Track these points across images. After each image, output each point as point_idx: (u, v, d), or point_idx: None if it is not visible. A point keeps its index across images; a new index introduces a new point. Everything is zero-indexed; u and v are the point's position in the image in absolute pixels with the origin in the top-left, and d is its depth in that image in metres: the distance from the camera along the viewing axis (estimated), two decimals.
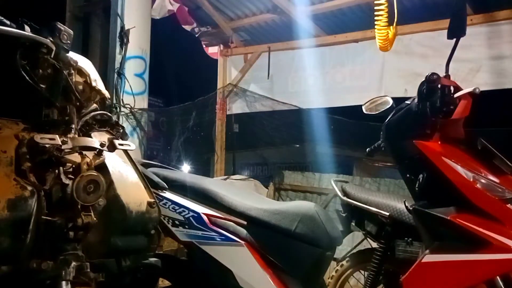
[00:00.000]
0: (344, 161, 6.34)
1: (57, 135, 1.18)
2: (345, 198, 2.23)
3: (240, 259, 1.90)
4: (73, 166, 1.20)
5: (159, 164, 2.50)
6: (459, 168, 1.63)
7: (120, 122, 4.03)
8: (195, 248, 1.97)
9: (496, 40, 4.66)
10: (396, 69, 5.13)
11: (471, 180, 1.62)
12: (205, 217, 1.99)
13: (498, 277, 1.58)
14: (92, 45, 4.20)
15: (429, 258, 1.60)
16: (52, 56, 1.22)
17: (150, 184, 2.14)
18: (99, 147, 1.27)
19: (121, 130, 1.59)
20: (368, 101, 2.17)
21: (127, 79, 3.83)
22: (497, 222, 1.57)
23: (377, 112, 2.06)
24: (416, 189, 1.76)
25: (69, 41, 1.28)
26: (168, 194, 2.09)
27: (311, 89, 5.58)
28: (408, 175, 1.80)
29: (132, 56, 4.06)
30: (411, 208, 1.73)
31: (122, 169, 1.40)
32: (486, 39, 4.69)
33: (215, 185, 2.13)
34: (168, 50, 6.38)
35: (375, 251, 2.09)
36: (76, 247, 1.18)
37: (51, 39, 1.23)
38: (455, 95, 1.68)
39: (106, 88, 3.67)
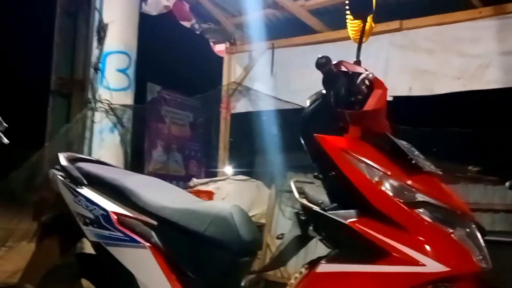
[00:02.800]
0: None
1: None
2: (302, 201, 2.04)
3: (142, 263, 1.76)
4: None
5: (91, 158, 2.40)
6: (361, 167, 1.43)
7: (99, 119, 4.00)
8: (102, 249, 1.84)
9: (507, 34, 4.30)
10: (401, 65, 4.85)
11: (375, 181, 1.41)
12: (113, 216, 1.86)
13: None
14: (78, 40, 4.19)
15: (323, 268, 1.41)
16: None
17: (69, 179, 2.06)
18: None
19: None
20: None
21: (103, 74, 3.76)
22: (400, 229, 1.36)
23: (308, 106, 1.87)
24: (326, 190, 1.57)
25: None
26: (84, 190, 1.98)
27: (314, 87, 5.37)
28: (319, 174, 1.61)
29: (114, 51, 3.99)
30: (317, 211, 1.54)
31: None
32: (496, 32, 4.34)
33: (136, 182, 2.00)
34: (171, 47, 6.30)
35: None
36: None
37: None
38: (358, 81, 1.47)
39: (84, 83, 3.57)
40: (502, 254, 1.71)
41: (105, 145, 3.76)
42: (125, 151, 3.96)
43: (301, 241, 2.02)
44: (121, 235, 1.81)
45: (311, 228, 2.12)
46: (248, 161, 6.46)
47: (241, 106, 6.02)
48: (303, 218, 2.05)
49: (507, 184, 2.23)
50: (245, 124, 6.09)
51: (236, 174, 5.95)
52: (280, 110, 5.76)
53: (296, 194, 2.12)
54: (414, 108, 5.59)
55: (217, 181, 5.49)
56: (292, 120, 5.87)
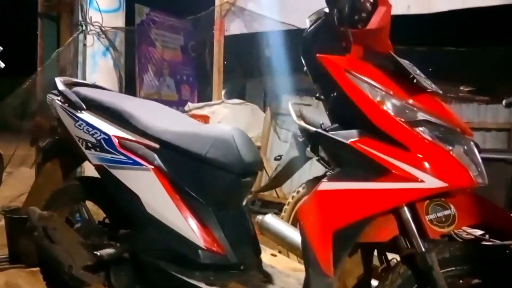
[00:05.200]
0: None
1: None
2: (299, 122, 2.07)
3: (146, 184, 1.80)
4: None
5: (87, 83, 2.37)
6: (364, 87, 1.43)
7: (90, 42, 3.90)
8: (106, 172, 1.88)
9: None
10: None
11: (378, 100, 1.42)
12: (115, 140, 1.87)
13: (404, 207, 1.41)
14: None
15: (325, 186, 1.45)
16: None
17: (68, 103, 2.05)
18: None
19: None
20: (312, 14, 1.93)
21: None
22: (401, 148, 1.38)
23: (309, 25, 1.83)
24: (327, 111, 1.58)
25: None
26: (84, 115, 1.98)
27: (312, 7, 5.21)
28: (320, 95, 1.61)
29: None
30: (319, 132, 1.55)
31: None
32: None
33: (135, 105, 1.99)
34: None
35: None
36: None
37: None
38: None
39: (72, 5, 3.44)
40: (492, 171, 1.76)
41: (99, 69, 3.71)
42: (119, 76, 3.92)
43: (299, 162, 2.07)
44: (124, 158, 1.84)
45: (308, 149, 2.17)
46: (243, 85, 6.43)
47: (235, 27, 5.87)
48: (300, 139, 2.09)
49: (504, 102, 2.24)
50: (239, 47, 5.98)
51: (231, 97, 5.94)
52: (276, 32, 5.64)
53: (294, 117, 2.14)
54: (412, 27, 5.49)
55: (212, 105, 5.49)
56: (288, 41, 5.77)
